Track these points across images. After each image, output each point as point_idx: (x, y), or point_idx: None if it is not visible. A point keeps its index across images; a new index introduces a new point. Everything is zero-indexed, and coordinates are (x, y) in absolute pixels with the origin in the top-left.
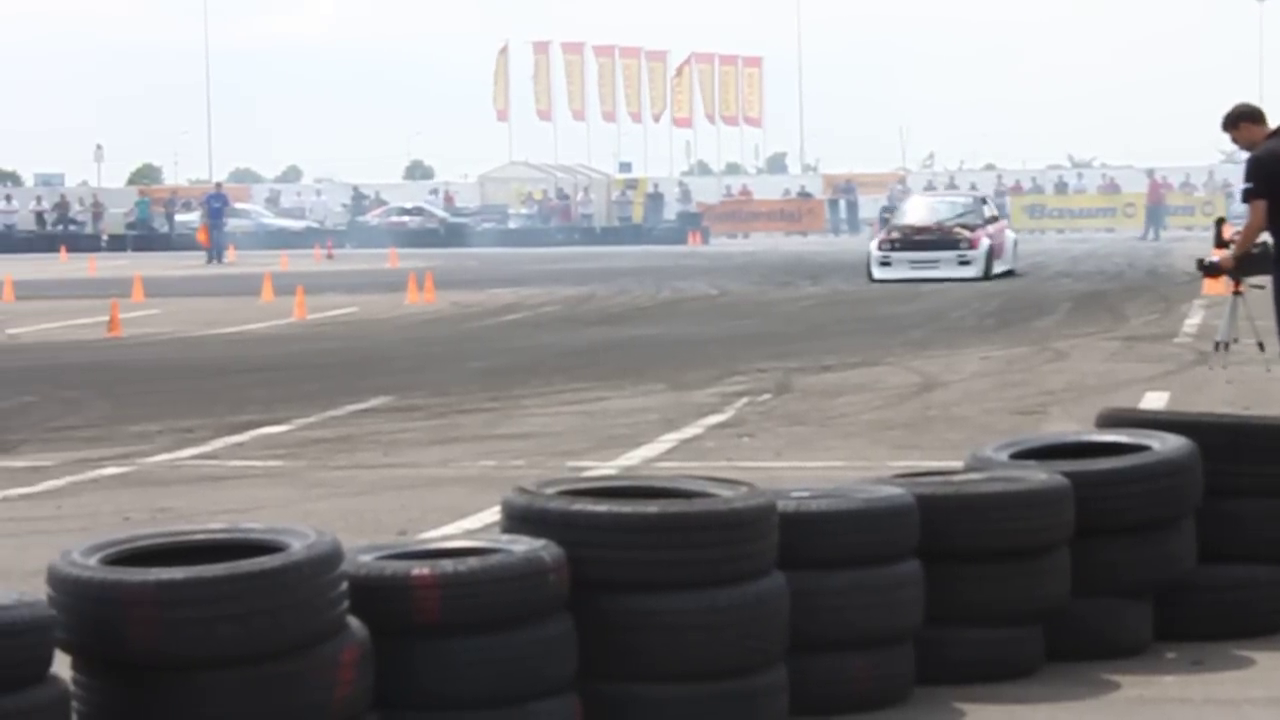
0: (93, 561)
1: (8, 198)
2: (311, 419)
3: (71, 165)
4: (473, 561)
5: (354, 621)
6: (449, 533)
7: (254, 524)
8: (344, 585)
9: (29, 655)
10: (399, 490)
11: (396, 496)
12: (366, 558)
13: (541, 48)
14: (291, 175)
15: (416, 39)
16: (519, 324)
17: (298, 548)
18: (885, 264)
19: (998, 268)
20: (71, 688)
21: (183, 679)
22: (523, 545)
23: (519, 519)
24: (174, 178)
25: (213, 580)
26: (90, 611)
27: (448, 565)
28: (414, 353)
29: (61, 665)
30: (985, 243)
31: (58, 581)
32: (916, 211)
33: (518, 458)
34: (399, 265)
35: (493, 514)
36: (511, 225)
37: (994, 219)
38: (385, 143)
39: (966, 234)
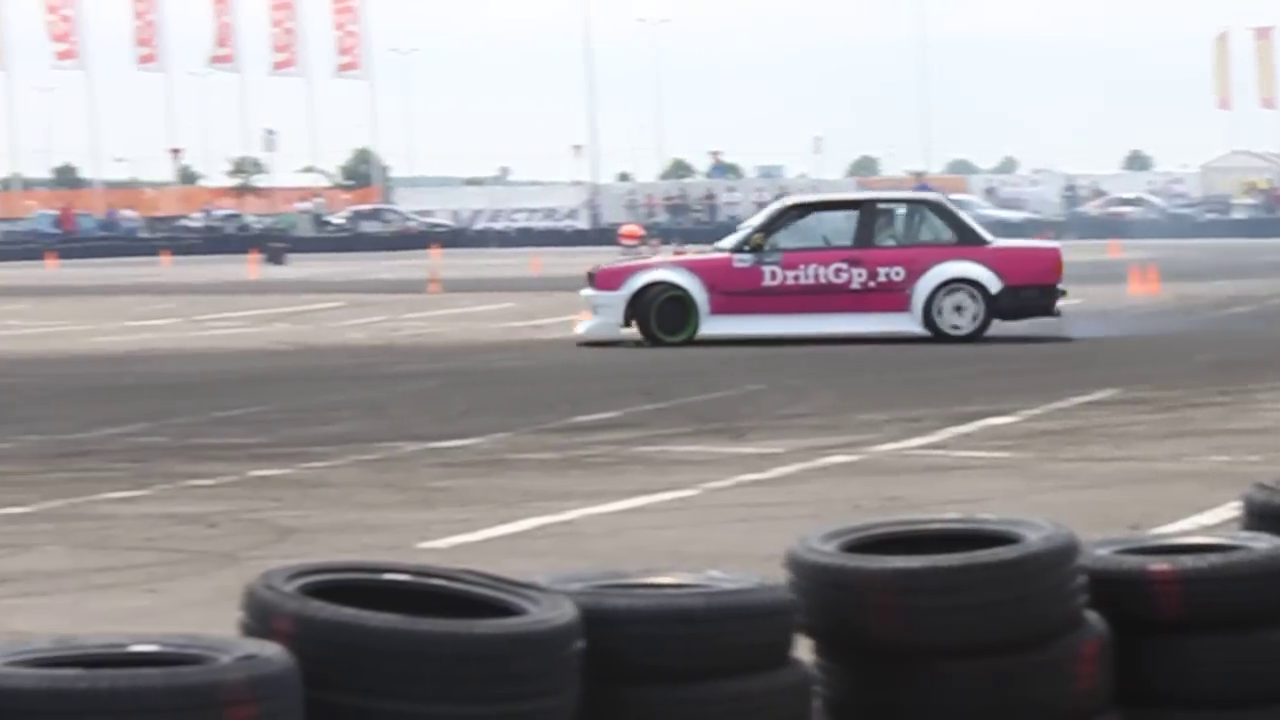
0: (830, 548)
1: (730, 189)
2: (1037, 410)
3: (791, 157)
4: (1214, 558)
5: (1092, 616)
6: (1184, 528)
7: (988, 514)
8: (1081, 579)
9: (771, 638)
10: (1129, 484)
11: (1127, 490)
12: (1102, 551)
13: (1263, 34)
14: (1007, 166)
15: (1133, 25)
16: (1245, 317)
17: (1034, 539)
18: None
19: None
20: (814, 672)
21: (923, 668)
22: (1264, 543)
23: (1260, 515)
24: (891, 169)
25: (950, 570)
26: (829, 597)
27: (1188, 561)
28: (1138, 345)
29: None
30: (634, 284)
31: (797, 567)
32: None
33: (1253, 453)
34: (1120, 256)
35: (1229, 510)
36: (1236, 216)
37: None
38: (1102, 132)
39: (600, 268)
